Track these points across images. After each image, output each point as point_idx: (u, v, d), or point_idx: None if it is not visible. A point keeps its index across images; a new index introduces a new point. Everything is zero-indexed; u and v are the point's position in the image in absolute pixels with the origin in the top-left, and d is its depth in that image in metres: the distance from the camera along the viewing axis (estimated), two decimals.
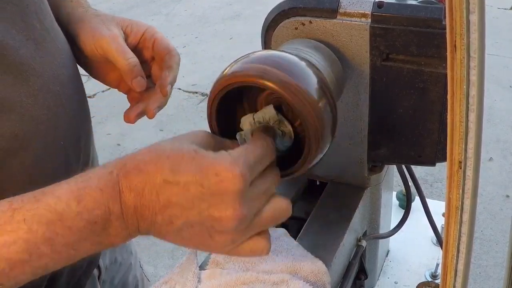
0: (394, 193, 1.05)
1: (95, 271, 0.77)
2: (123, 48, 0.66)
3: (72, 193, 0.44)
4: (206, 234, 0.46)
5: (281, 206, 0.49)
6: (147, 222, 0.45)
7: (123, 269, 0.89)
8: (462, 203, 0.33)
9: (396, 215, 0.91)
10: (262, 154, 0.47)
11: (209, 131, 0.54)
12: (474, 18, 0.28)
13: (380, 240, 0.85)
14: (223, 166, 0.44)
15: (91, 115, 0.72)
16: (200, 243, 0.47)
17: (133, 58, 0.66)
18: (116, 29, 0.68)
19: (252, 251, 0.48)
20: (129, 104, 0.72)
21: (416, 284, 0.87)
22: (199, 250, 0.50)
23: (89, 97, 3.37)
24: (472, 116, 0.31)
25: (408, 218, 0.81)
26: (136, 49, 0.70)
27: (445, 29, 0.29)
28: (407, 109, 0.66)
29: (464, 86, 0.30)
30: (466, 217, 0.34)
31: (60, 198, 0.44)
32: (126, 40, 0.68)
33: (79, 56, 0.69)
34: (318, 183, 0.81)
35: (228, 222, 0.44)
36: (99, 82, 0.75)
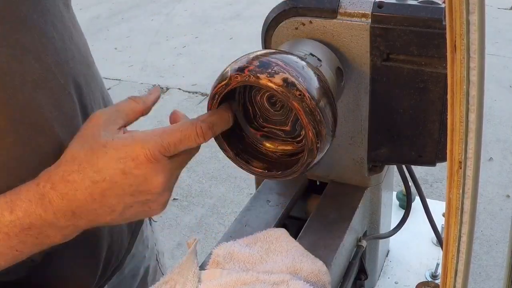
0: (394, 193, 1.05)
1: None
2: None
3: (6, 204, 0.50)
4: (145, 206, 0.53)
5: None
6: (88, 218, 0.51)
7: (135, 260, 0.89)
8: (462, 203, 0.33)
9: (396, 215, 0.91)
10: (181, 138, 0.51)
11: None
12: (474, 18, 0.28)
13: (380, 240, 0.85)
14: (137, 149, 0.49)
15: None
16: (142, 214, 0.54)
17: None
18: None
19: None
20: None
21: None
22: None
23: None
24: (472, 116, 0.31)
25: (408, 218, 0.81)
26: None
27: (445, 29, 0.29)
28: (407, 109, 0.66)
29: (464, 86, 0.30)
30: (466, 217, 0.34)
31: None
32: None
33: None
34: (318, 183, 0.81)
35: (157, 189, 0.51)
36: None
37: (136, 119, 0.56)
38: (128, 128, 0.88)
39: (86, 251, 0.67)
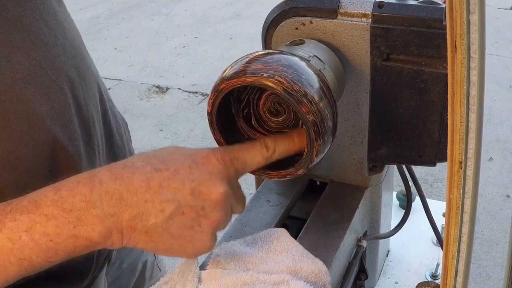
0: (394, 193, 1.05)
1: None
2: None
3: (53, 186, 0.47)
4: (194, 222, 0.48)
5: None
6: (133, 212, 0.46)
7: (133, 254, 0.89)
8: (463, 203, 0.33)
9: (396, 215, 0.91)
10: (250, 159, 0.52)
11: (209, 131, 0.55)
12: (474, 18, 0.28)
13: (381, 240, 0.85)
14: (207, 150, 0.50)
15: None
16: (186, 239, 0.49)
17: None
18: None
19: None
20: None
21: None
22: (181, 255, 0.52)
23: None
24: (473, 116, 0.31)
25: (408, 218, 0.81)
26: None
27: (445, 29, 0.29)
28: (407, 109, 0.66)
29: (465, 86, 0.30)
30: (466, 217, 0.34)
31: (41, 191, 0.47)
32: None
33: None
34: (318, 183, 0.81)
35: (217, 197, 0.48)
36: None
37: None
38: (130, 129, 0.88)
39: None
